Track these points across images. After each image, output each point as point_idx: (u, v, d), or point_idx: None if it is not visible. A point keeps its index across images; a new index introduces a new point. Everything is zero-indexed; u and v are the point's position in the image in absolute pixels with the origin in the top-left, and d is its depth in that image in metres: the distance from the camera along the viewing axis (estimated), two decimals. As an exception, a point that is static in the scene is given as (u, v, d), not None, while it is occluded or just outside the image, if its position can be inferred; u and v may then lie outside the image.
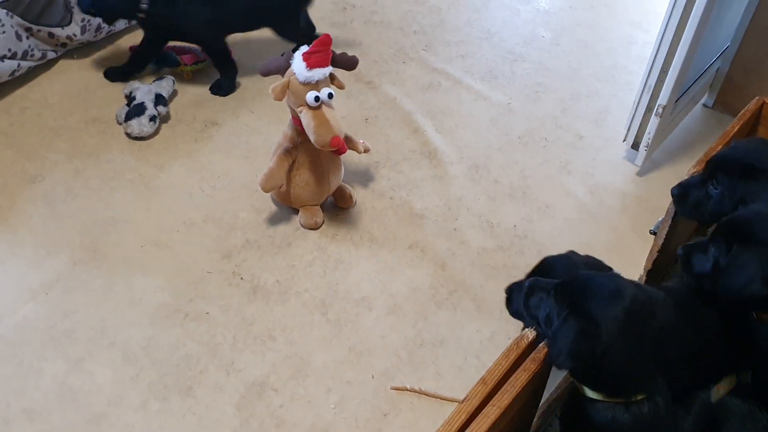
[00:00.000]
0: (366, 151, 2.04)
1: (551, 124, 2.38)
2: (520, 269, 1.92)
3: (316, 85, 1.77)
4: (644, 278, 1.69)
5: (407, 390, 1.63)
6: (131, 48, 2.47)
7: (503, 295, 1.83)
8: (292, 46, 1.87)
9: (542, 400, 1.39)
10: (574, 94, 2.50)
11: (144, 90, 2.23)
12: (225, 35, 2.39)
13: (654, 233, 1.68)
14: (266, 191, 1.91)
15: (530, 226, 2.04)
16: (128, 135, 2.20)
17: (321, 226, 1.99)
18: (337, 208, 2.05)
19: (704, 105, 2.46)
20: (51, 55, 2.41)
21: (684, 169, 2.07)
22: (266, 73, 1.84)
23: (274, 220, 2.00)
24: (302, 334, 1.74)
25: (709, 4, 1.85)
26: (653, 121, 2.09)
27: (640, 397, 1.15)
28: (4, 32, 2.18)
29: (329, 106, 1.81)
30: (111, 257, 1.89)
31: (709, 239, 1.27)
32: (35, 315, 1.74)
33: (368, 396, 1.63)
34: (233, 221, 1.99)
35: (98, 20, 2.43)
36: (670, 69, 1.99)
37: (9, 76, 2.27)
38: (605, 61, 2.66)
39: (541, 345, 1.21)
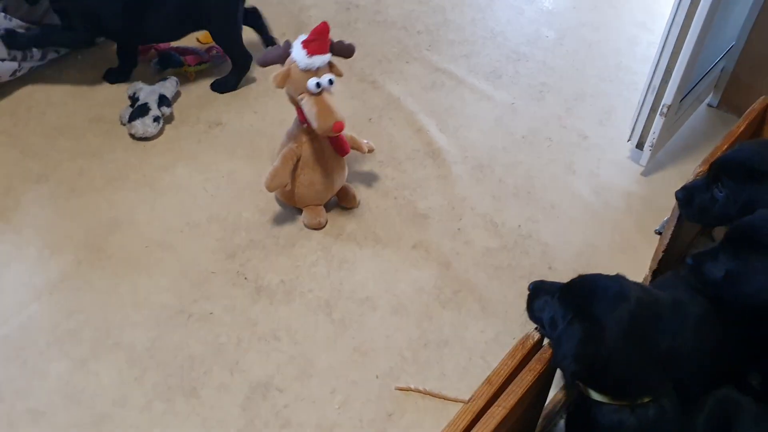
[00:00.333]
0: (370, 151, 2.04)
1: (555, 124, 2.37)
2: (525, 269, 1.92)
3: (317, 72, 1.78)
4: (649, 278, 1.69)
5: (412, 390, 1.63)
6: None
7: (508, 295, 1.85)
8: (278, 37, 1.86)
9: (546, 401, 1.38)
10: (579, 94, 2.50)
11: (147, 91, 2.23)
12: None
13: (659, 233, 1.68)
14: (271, 191, 1.91)
15: (535, 226, 2.04)
16: (132, 136, 2.20)
17: (325, 226, 1.99)
18: (341, 208, 2.05)
19: (709, 105, 2.45)
20: (52, 55, 2.41)
21: (689, 169, 2.06)
22: (265, 64, 1.85)
23: (278, 220, 2.00)
24: (307, 334, 1.74)
25: (714, 3, 1.85)
26: (658, 121, 2.08)
27: (646, 400, 1.15)
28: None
29: (329, 92, 1.82)
30: (115, 258, 1.89)
31: (719, 246, 1.27)
32: (40, 315, 1.74)
33: (373, 396, 1.62)
34: (237, 221, 1.99)
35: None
36: (675, 68, 1.98)
37: (10, 76, 2.28)
38: (610, 61, 2.66)
39: (546, 345, 1.21)
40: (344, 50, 1.88)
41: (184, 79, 2.43)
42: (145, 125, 2.17)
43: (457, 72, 2.55)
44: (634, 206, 2.11)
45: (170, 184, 2.09)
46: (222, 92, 2.41)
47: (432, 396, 1.63)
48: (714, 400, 1.25)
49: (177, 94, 2.35)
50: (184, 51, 2.45)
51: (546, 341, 1.22)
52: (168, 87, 2.28)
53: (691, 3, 1.89)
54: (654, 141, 2.12)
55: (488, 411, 1.12)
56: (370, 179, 2.14)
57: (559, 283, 1.21)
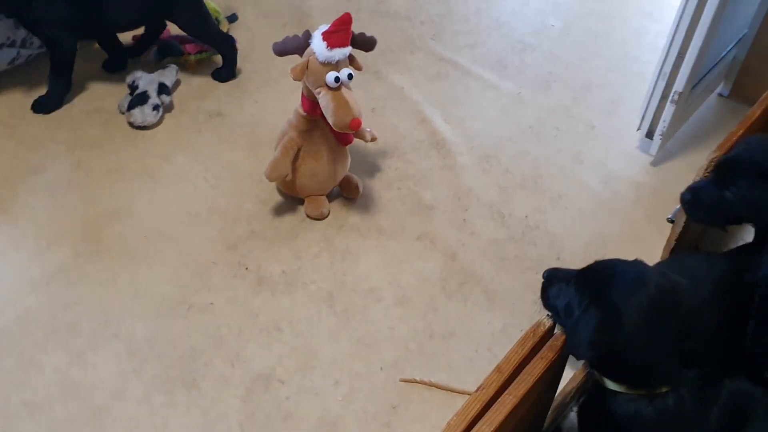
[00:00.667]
0: (373, 139, 1.99)
1: (563, 114, 2.33)
2: (533, 260, 1.88)
3: (336, 66, 1.72)
4: (661, 268, 1.64)
5: (417, 382, 1.59)
6: (134, 37, 2.44)
7: (515, 287, 1.81)
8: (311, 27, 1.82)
9: (558, 391, 1.34)
10: (586, 84, 2.45)
11: (147, 79, 2.19)
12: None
13: (671, 221, 1.64)
14: (272, 180, 1.87)
15: (542, 216, 2.00)
16: (131, 124, 2.16)
17: (327, 216, 1.95)
18: (344, 198, 2.01)
19: (720, 94, 2.40)
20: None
21: (699, 160, 2.01)
22: (283, 53, 1.79)
23: (279, 211, 1.96)
24: (309, 325, 1.70)
25: (726, -12, 1.81)
26: (669, 109, 2.04)
27: (664, 389, 1.10)
28: (0, 19, 2.15)
29: (348, 87, 1.76)
30: (114, 249, 1.85)
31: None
32: (37, 307, 1.71)
33: (377, 388, 1.58)
34: (238, 212, 1.95)
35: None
36: (687, 54, 1.93)
37: (8, 64, 2.24)
38: (617, 51, 2.61)
39: (558, 332, 1.16)
40: (366, 43, 1.83)
41: (184, 68, 2.39)
42: (144, 114, 2.13)
43: (462, 62, 2.51)
44: (644, 196, 2.07)
45: (170, 174, 2.05)
46: (222, 81, 2.36)
47: (437, 388, 1.59)
48: (728, 392, 1.21)
49: (177, 83, 2.31)
50: (184, 40, 2.41)
51: (558, 328, 1.18)
52: (168, 75, 2.25)
53: (704, -12, 1.84)
54: (664, 129, 2.07)
55: (498, 400, 1.08)
56: (373, 170, 2.09)
57: (573, 269, 1.17)
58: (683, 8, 1.91)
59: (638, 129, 2.17)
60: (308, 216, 1.94)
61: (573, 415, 1.46)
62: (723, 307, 1.29)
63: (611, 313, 1.06)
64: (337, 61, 1.72)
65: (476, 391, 1.10)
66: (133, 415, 1.52)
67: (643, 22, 2.76)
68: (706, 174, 1.43)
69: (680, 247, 1.60)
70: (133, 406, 1.53)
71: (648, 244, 1.89)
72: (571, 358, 1.21)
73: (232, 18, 2.59)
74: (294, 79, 1.73)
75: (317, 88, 1.74)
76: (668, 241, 1.62)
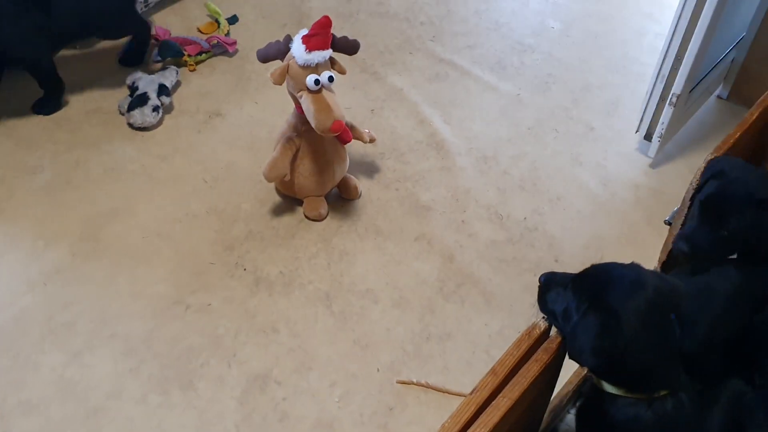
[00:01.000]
0: (372, 140, 1.99)
1: (562, 115, 2.33)
2: (531, 262, 1.87)
3: (316, 69, 1.73)
4: (658, 270, 1.64)
5: (414, 384, 1.59)
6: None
7: (513, 289, 1.80)
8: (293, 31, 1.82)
9: (554, 393, 1.34)
10: (585, 85, 2.45)
11: (147, 80, 2.19)
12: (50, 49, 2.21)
13: (669, 223, 1.63)
14: (270, 180, 1.87)
15: (541, 218, 1.99)
16: (131, 125, 2.16)
17: (325, 217, 1.94)
18: (342, 199, 2.00)
19: (718, 96, 2.40)
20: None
21: (697, 162, 2.00)
22: (265, 59, 1.80)
23: (277, 212, 1.96)
24: (306, 326, 1.70)
25: (724, -9, 1.80)
26: (667, 111, 2.03)
27: (663, 393, 1.10)
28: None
29: (330, 90, 1.76)
30: (112, 248, 1.85)
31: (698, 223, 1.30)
32: (34, 306, 1.71)
33: (374, 390, 1.58)
34: (236, 212, 1.95)
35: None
36: (685, 57, 1.93)
37: None
38: (616, 53, 2.61)
39: (553, 335, 1.16)
40: (347, 46, 1.83)
41: (185, 69, 2.39)
42: (144, 115, 2.13)
43: (462, 63, 2.51)
44: (642, 198, 2.06)
45: (169, 174, 2.05)
46: (130, 65, 2.31)
47: (434, 390, 1.58)
48: (728, 395, 1.20)
49: (177, 84, 2.31)
50: (185, 41, 2.41)
51: (553, 331, 1.18)
52: (168, 77, 2.25)
53: (702, -9, 1.84)
54: (663, 131, 2.07)
55: (493, 402, 1.07)
56: (371, 171, 2.09)
57: (571, 273, 1.16)
58: (681, 11, 1.91)
59: (637, 131, 2.17)
60: (306, 217, 1.94)
61: (569, 418, 1.46)
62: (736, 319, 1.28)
63: (610, 317, 1.05)
64: (317, 65, 1.72)
65: (471, 393, 1.09)
66: (130, 415, 1.52)
67: (643, 23, 2.76)
68: (698, 180, 1.41)
69: (678, 250, 1.60)
70: (129, 407, 1.53)
71: (647, 246, 1.89)
72: (566, 361, 1.21)
73: (233, 19, 2.59)
74: (274, 83, 1.74)
75: (299, 91, 1.75)
76: (665, 242, 1.61)
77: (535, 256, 1.89)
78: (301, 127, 1.84)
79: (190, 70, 2.39)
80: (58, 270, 1.79)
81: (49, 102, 2.21)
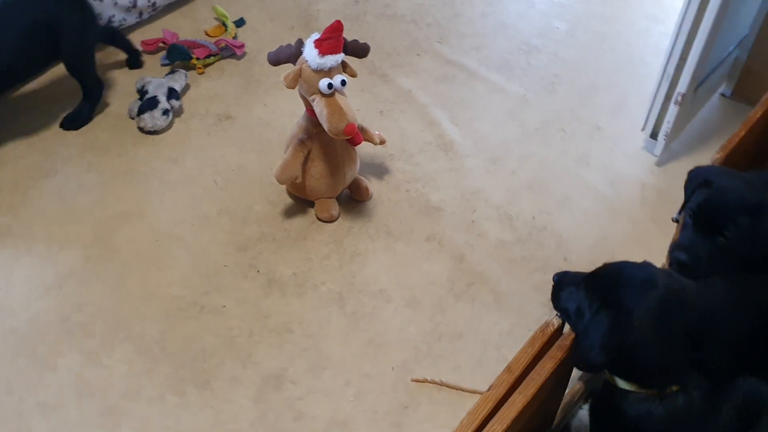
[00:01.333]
0: (382, 142, 2.01)
1: (568, 116, 2.34)
2: (540, 261, 1.89)
3: (329, 72, 1.75)
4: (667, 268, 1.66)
5: (428, 382, 1.61)
6: (144, 43, 2.46)
7: (523, 288, 1.82)
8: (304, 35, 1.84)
9: (567, 389, 1.36)
10: (591, 86, 2.47)
11: (156, 84, 2.21)
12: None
13: (676, 221, 1.65)
14: (282, 182, 1.89)
15: (549, 218, 2.01)
16: (141, 129, 2.18)
17: (337, 218, 1.96)
18: (353, 200, 2.02)
19: (722, 95, 2.42)
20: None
21: (703, 159, 2.04)
22: (276, 62, 1.82)
23: (289, 213, 1.98)
24: (319, 326, 1.72)
25: (728, -9, 1.82)
26: (672, 110, 2.05)
27: (674, 389, 1.12)
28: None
29: (342, 93, 1.78)
30: (125, 251, 1.87)
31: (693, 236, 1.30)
32: (49, 309, 1.73)
33: (387, 389, 1.60)
34: (248, 214, 1.97)
35: (104, 19, 2.40)
36: (689, 56, 1.95)
37: None
38: (621, 53, 2.63)
39: (567, 332, 1.18)
40: (358, 50, 1.85)
41: (193, 72, 2.41)
42: (154, 118, 2.15)
43: (469, 64, 2.52)
44: (649, 197, 2.08)
45: (180, 177, 2.07)
46: (76, 128, 2.20)
47: (448, 387, 1.60)
48: (740, 391, 1.22)
49: (186, 88, 2.33)
50: (193, 44, 2.43)
51: (567, 328, 1.20)
52: (177, 80, 2.27)
53: (706, -9, 1.86)
54: (668, 130, 2.09)
55: (509, 399, 1.09)
56: (381, 172, 2.11)
57: (583, 272, 1.18)
58: (685, 11, 1.92)
59: (642, 129, 2.19)
60: (318, 218, 1.96)
61: (582, 413, 1.48)
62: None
63: (621, 315, 1.07)
64: (330, 68, 1.74)
65: (487, 390, 1.11)
66: (146, 415, 1.54)
67: (648, 24, 2.77)
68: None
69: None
70: (145, 407, 1.55)
71: (654, 245, 1.90)
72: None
73: (240, 22, 2.61)
74: (287, 87, 1.76)
75: (311, 95, 1.77)
76: (673, 240, 1.63)
77: (543, 255, 1.91)
78: (312, 129, 1.86)
79: (199, 73, 2.41)
80: (72, 273, 1.81)
81: (80, 115, 2.20)
